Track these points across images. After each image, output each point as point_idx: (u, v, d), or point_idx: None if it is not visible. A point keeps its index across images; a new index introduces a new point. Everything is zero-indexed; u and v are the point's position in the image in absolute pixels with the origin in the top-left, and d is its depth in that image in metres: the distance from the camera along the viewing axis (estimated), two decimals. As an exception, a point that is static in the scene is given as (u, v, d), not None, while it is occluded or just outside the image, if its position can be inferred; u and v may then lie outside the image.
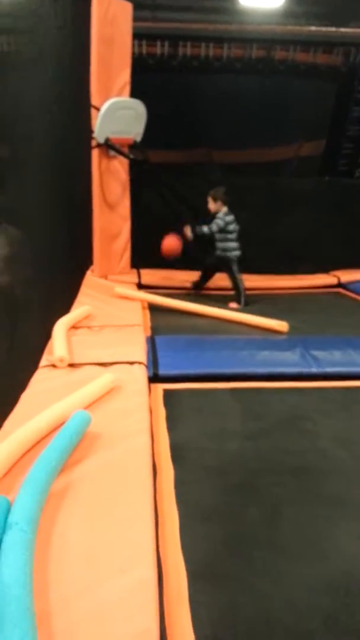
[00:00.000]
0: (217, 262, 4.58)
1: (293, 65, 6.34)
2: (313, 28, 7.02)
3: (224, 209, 4.47)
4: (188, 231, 4.45)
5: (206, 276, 4.82)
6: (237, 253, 4.51)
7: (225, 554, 1.58)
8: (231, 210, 4.57)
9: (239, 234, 4.52)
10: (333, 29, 6.79)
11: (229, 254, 4.50)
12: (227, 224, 4.42)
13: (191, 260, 5.46)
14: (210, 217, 4.51)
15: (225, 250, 4.51)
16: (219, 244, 4.51)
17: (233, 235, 4.48)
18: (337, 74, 6.58)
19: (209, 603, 1.39)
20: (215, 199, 4.48)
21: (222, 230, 4.43)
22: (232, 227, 4.46)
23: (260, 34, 6.33)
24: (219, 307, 4.14)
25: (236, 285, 4.50)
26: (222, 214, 4.46)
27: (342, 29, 6.77)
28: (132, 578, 1.34)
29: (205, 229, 4.41)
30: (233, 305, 4.40)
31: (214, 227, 4.40)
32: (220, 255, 4.53)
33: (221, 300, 4.42)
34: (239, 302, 4.44)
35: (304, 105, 6.90)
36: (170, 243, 4.53)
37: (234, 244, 4.49)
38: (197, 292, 4.79)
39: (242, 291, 4.47)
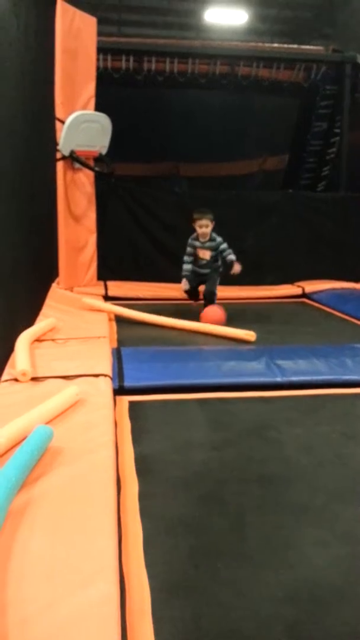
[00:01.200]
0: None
1: (256, 81, 6.48)
2: (275, 45, 7.21)
3: (202, 229, 4.55)
4: (238, 266, 4.53)
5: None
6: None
7: (190, 566, 1.56)
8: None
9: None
10: (295, 46, 6.99)
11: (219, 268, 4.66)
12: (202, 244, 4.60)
13: (156, 271, 5.48)
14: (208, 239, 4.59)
15: (218, 267, 4.66)
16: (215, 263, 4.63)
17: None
18: (299, 90, 6.74)
19: (173, 617, 1.36)
20: (212, 220, 4.54)
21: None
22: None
23: (224, 50, 6.46)
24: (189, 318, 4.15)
25: (214, 293, 4.63)
26: (215, 235, 4.58)
27: (304, 47, 6.98)
28: (93, 594, 1.31)
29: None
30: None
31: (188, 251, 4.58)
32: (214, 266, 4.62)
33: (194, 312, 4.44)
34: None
35: (268, 120, 7.05)
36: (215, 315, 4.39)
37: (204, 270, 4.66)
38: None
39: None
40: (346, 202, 6.17)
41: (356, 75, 6.54)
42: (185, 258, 4.60)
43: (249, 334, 3.72)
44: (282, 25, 8.83)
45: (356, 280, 5.85)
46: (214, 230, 4.57)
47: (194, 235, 4.57)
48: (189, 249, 4.59)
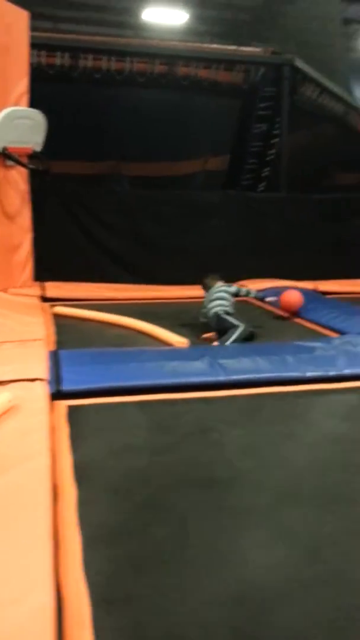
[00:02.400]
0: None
1: (196, 82, 6.48)
2: (215, 46, 7.24)
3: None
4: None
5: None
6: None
7: (130, 574, 1.51)
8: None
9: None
10: (234, 47, 7.04)
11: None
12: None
13: (96, 271, 5.36)
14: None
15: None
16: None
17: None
18: (239, 91, 6.80)
19: (113, 627, 1.31)
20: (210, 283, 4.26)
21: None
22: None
23: (163, 50, 6.43)
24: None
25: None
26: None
27: (243, 48, 7.04)
28: (27, 607, 1.26)
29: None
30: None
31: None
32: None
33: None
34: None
35: (210, 121, 7.07)
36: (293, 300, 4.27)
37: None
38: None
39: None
40: (286, 202, 6.28)
41: (294, 77, 6.68)
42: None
43: (180, 342, 3.60)
44: (221, 27, 8.90)
45: (296, 279, 5.96)
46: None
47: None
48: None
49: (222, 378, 2.89)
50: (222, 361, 3.09)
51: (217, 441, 2.31)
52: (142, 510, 1.81)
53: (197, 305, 5.01)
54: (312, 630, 1.30)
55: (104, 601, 1.38)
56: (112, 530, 1.69)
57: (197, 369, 3.00)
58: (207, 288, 4.27)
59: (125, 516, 1.76)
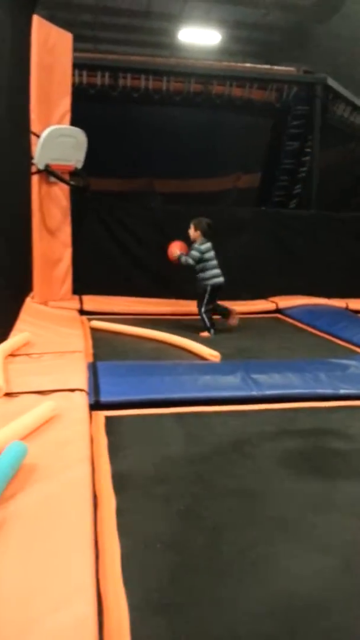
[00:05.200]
0: (197, 290, 4.60)
1: (229, 100, 6.58)
2: (248, 65, 7.35)
3: (200, 239, 4.55)
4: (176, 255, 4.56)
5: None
6: (216, 281, 4.55)
7: (168, 583, 1.54)
8: (174, 238, 4.64)
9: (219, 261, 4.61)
10: (267, 66, 7.14)
11: (205, 282, 4.54)
12: (202, 253, 4.51)
13: (132, 286, 5.49)
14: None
15: (203, 279, 4.55)
16: (199, 274, 4.56)
17: (210, 264, 4.54)
18: (271, 110, 6.88)
19: (151, 636, 1.34)
20: (196, 228, 4.58)
21: (200, 260, 4.51)
22: (208, 255, 4.54)
23: (199, 69, 6.56)
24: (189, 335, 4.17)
25: (200, 314, 4.56)
26: (197, 244, 4.55)
27: (276, 67, 7.13)
28: (69, 615, 1.27)
29: (189, 260, 4.51)
30: (204, 334, 4.43)
31: (190, 260, 4.50)
32: (198, 284, 4.57)
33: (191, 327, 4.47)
34: (207, 330, 4.48)
35: (241, 139, 7.15)
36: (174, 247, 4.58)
37: (210, 272, 4.54)
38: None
39: (207, 320, 4.52)
40: (317, 219, 6.30)
41: (326, 96, 6.73)
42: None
43: (213, 355, 3.67)
44: (254, 47, 9.01)
45: (327, 297, 5.95)
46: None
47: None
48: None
49: (255, 393, 2.93)
50: (254, 376, 3.13)
51: (250, 453, 2.34)
52: (178, 518, 1.84)
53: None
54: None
55: (142, 610, 1.41)
56: (150, 539, 1.72)
57: (231, 384, 3.05)
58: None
59: (163, 525, 1.80)
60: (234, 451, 2.36)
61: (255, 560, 1.64)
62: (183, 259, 4.53)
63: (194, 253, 4.50)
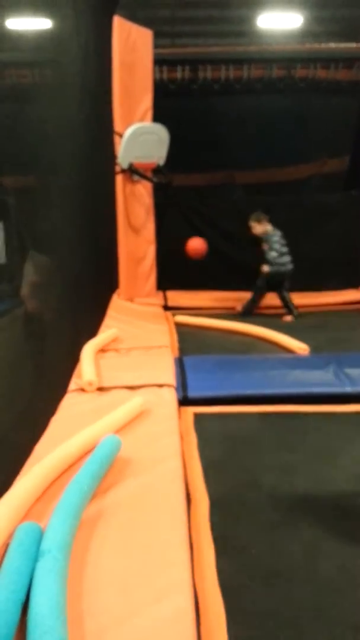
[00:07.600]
0: (271, 279, 4.66)
1: (314, 83, 6.35)
2: (332, 45, 7.03)
3: (269, 227, 4.62)
4: (266, 267, 4.62)
5: (258, 298, 4.82)
6: (290, 267, 4.65)
7: (261, 587, 1.51)
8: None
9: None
10: (353, 44, 6.80)
11: (283, 268, 4.61)
12: (280, 239, 4.61)
13: (216, 280, 5.46)
14: (254, 239, 4.69)
15: (281, 265, 4.61)
16: (277, 260, 4.60)
17: (285, 249, 4.62)
18: (358, 89, 6.56)
19: (246, 637, 1.33)
20: (259, 221, 4.65)
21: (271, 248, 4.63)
22: (283, 242, 4.64)
23: (281, 54, 6.38)
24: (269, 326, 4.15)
25: (289, 299, 4.68)
26: (271, 233, 4.63)
27: (362, 45, 6.76)
28: (168, 607, 1.29)
29: (273, 254, 4.58)
30: (287, 318, 4.55)
31: (276, 248, 4.58)
32: (276, 271, 4.61)
33: (269, 319, 4.47)
34: (292, 313, 4.59)
35: (327, 122, 6.88)
36: (196, 245, 4.67)
37: (287, 258, 4.63)
38: (247, 316, 4.72)
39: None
40: None
41: None
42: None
43: (301, 347, 3.57)
44: (338, 26, 8.58)
45: None
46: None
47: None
48: None
49: (348, 389, 2.81)
50: (348, 370, 3.01)
51: (345, 461, 2.22)
52: (271, 528, 1.79)
53: (313, 313, 4.91)
54: None
55: (236, 610, 1.41)
56: (243, 540, 1.71)
57: (322, 379, 2.95)
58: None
59: (256, 532, 1.77)
60: (328, 458, 2.23)
61: (352, 572, 1.57)
62: (271, 258, 4.60)
63: (275, 242, 4.61)
